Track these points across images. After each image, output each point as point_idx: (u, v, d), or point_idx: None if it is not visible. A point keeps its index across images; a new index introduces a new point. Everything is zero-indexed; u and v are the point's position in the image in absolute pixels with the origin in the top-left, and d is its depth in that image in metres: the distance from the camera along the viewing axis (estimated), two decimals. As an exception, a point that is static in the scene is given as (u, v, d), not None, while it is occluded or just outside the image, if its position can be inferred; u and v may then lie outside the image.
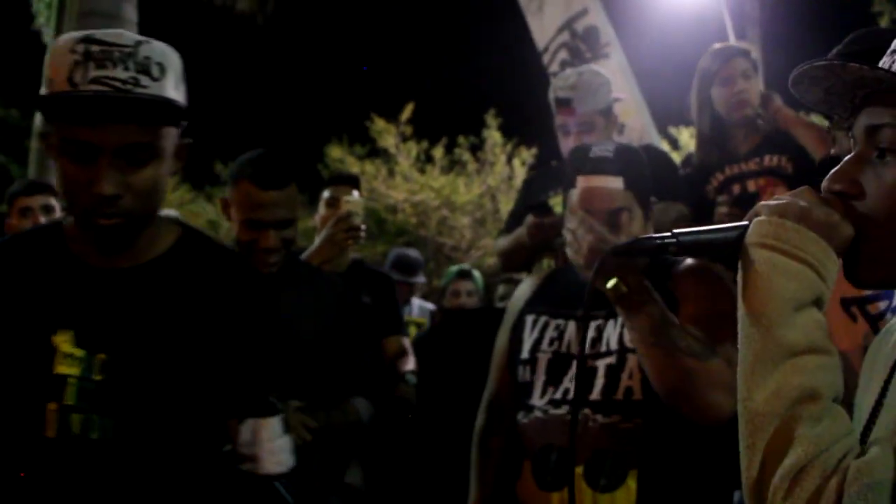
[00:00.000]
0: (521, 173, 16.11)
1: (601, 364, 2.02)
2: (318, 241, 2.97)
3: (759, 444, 0.86)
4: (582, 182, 2.05)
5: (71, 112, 1.40)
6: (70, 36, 1.42)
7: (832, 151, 1.93)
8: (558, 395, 2.03)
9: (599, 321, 2.06)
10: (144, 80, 1.41)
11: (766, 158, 3.09)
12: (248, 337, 1.58)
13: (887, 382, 0.98)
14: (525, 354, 2.13)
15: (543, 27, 4.68)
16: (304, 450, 2.19)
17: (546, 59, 4.66)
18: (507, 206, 14.61)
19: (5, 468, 1.47)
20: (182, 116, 1.54)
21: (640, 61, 5.41)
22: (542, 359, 2.10)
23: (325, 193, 3.52)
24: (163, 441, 1.50)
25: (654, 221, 2.13)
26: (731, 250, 0.97)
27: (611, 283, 1.85)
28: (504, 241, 3.21)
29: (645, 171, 2.10)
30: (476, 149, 17.47)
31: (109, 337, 1.49)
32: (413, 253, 5.61)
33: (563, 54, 4.55)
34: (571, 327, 2.10)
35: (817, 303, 0.91)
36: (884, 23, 12.68)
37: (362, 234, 2.98)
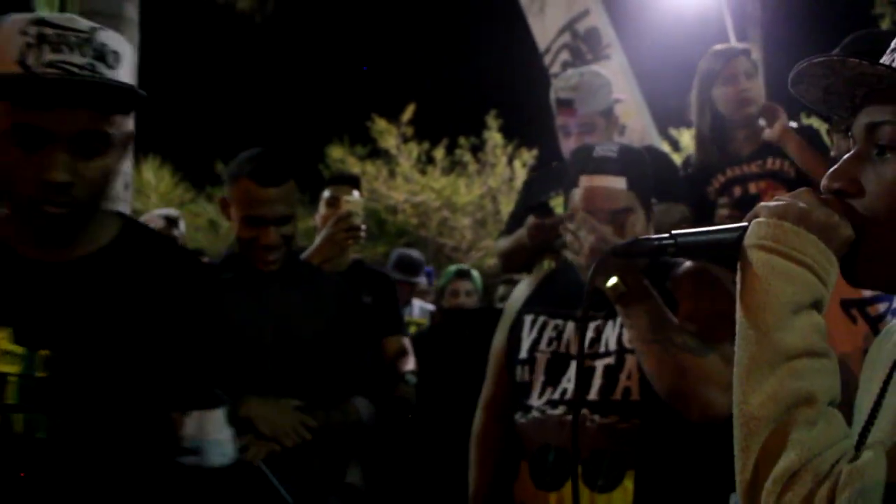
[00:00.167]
0: (521, 174, 16.13)
1: (599, 364, 2.02)
2: (318, 240, 2.97)
3: (753, 448, 0.86)
4: (585, 182, 2.05)
5: (24, 95, 1.33)
6: (19, 17, 1.36)
7: (832, 154, 1.93)
8: (556, 396, 2.03)
9: (598, 322, 2.06)
10: (100, 66, 1.37)
11: (769, 161, 3.09)
12: (191, 329, 1.54)
13: (886, 384, 0.98)
14: (523, 354, 2.13)
15: (545, 28, 4.69)
16: (304, 449, 2.20)
17: (547, 60, 4.66)
18: (507, 207, 14.62)
19: None
20: (137, 106, 1.50)
21: (642, 62, 5.42)
22: (541, 359, 2.10)
23: (326, 193, 3.52)
24: (110, 437, 1.45)
25: (654, 222, 2.13)
26: (730, 252, 0.96)
27: (610, 282, 1.86)
28: (504, 242, 3.21)
29: (648, 172, 2.11)
30: (477, 150, 17.49)
31: (51, 333, 1.43)
32: (415, 253, 5.61)
33: (564, 55, 4.55)
34: (570, 327, 2.10)
35: (816, 305, 0.91)
36: (885, 25, 12.69)
37: (362, 234, 2.98)
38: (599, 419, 1.98)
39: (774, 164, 3.08)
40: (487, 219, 17.16)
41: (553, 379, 2.06)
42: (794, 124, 3.05)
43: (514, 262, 3.18)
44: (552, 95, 3.04)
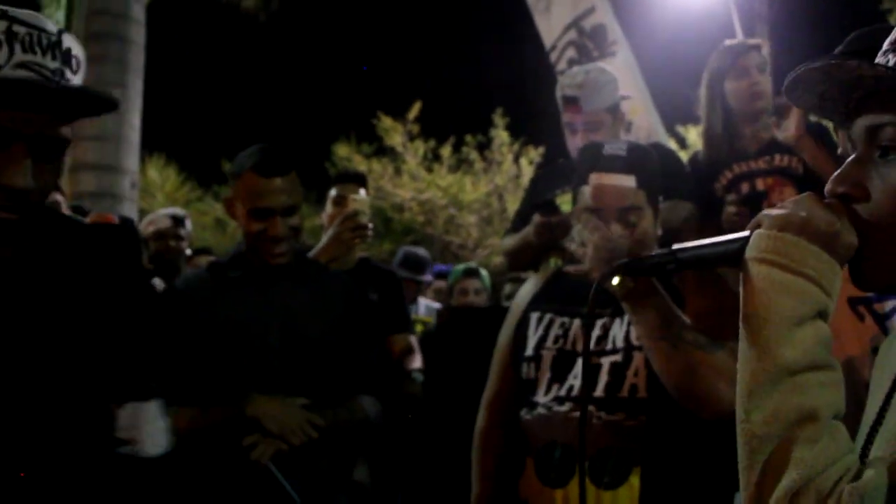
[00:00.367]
0: (528, 172, 16.11)
1: (606, 361, 2.02)
2: (325, 239, 2.97)
3: (756, 466, 0.85)
4: (594, 179, 2.05)
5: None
6: None
7: (838, 151, 1.92)
8: (563, 392, 2.03)
9: (605, 319, 2.06)
10: (68, 72, 1.33)
11: (777, 158, 3.08)
12: (125, 320, 1.52)
13: (889, 394, 0.97)
14: (529, 351, 2.13)
15: (551, 25, 4.69)
16: (312, 448, 2.20)
17: (553, 57, 4.66)
18: (513, 204, 14.61)
19: None
20: (95, 113, 1.43)
21: (648, 59, 5.41)
22: (547, 356, 2.10)
23: (333, 192, 3.52)
24: (45, 430, 1.42)
25: (661, 221, 2.13)
26: (731, 264, 0.96)
27: (617, 279, 1.85)
28: (511, 241, 3.21)
29: (656, 171, 2.11)
30: (483, 147, 17.48)
31: None
32: (421, 251, 5.61)
33: (570, 52, 4.55)
34: (576, 325, 2.10)
35: (821, 315, 0.90)
36: (893, 20, 12.63)
37: (369, 232, 2.98)
38: (606, 416, 1.98)
39: (782, 161, 3.07)
40: (494, 216, 17.15)
41: (559, 376, 2.06)
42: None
43: (521, 260, 3.18)
44: (558, 93, 3.04)
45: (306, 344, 2.31)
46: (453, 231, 17.28)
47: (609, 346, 2.04)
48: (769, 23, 12.72)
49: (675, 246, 0.98)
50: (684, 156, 4.87)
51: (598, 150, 2.10)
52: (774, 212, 0.93)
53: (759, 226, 0.94)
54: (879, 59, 0.93)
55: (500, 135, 17.24)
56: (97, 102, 1.38)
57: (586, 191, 2.07)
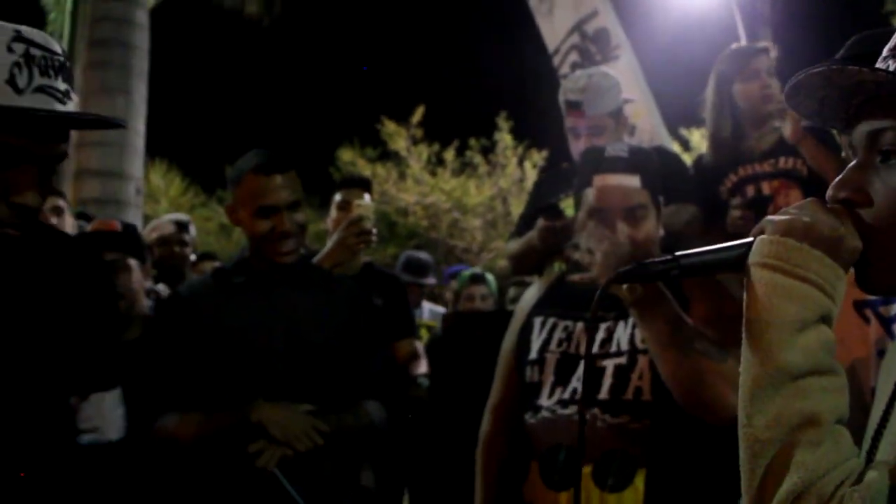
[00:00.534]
0: (532, 175, 16.12)
1: (610, 364, 2.02)
2: (329, 244, 2.98)
3: (758, 471, 0.85)
4: (599, 181, 2.06)
5: (11, 117, 1.30)
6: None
7: (842, 154, 1.92)
8: (566, 396, 2.04)
9: (609, 322, 2.07)
10: (71, 93, 1.37)
11: (782, 160, 3.07)
12: (87, 311, 1.53)
13: (893, 398, 0.97)
14: (533, 355, 2.14)
15: (554, 29, 4.69)
16: (317, 454, 2.20)
17: (556, 61, 4.66)
18: (517, 208, 14.60)
19: None
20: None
21: (651, 63, 5.40)
22: (551, 359, 2.10)
23: (337, 197, 3.53)
24: (13, 423, 1.42)
25: (664, 224, 2.13)
26: (735, 270, 0.96)
27: (626, 286, 1.86)
28: (515, 245, 3.21)
29: (657, 172, 2.13)
30: (487, 151, 17.48)
31: None
32: (423, 255, 5.63)
33: (573, 56, 4.56)
34: (580, 328, 2.10)
35: (824, 320, 0.90)
36: (895, 22, 12.61)
37: (373, 237, 2.98)
38: (610, 419, 1.98)
39: (787, 163, 3.06)
40: (498, 220, 17.14)
41: (563, 379, 2.07)
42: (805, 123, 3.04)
43: (525, 264, 3.17)
44: (561, 97, 3.04)
45: (311, 349, 2.31)
46: (457, 235, 17.27)
47: (613, 349, 2.04)
48: (772, 25, 12.71)
49: (679, 252, 0.98)
50: (688, 159, 4.87)
51: (601, 152, 2.11)
52: (777, 217, 0.93)
53: (762, 231, 0.94)
54: (880, 65, 0.94)
55: (504, 138, 17.24)
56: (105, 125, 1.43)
57: (590, 193, 2.07)
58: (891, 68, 0.92)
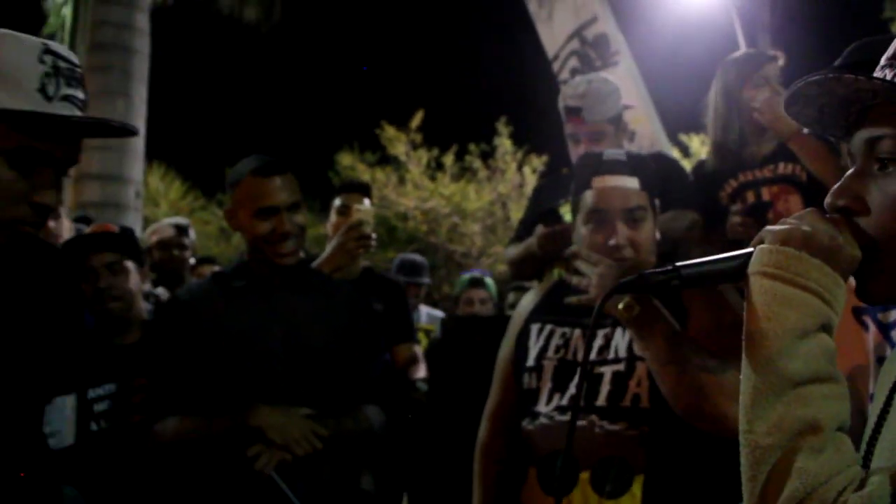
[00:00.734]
0: (531, 181, 16.12)
1: (607, 371, 2.02)
2: (329, 248, 2.98)
3: (760, 477, 0.85)
4: (598, 182, 2.06)
5: (42, 124, 1.39)
6: (30, 41, 1.41)
7: (841, 162, 1.92)
8: (564, 402, 2.03)
9: (607, 329, 2.07)
10: (85, 101, 1.47)
11: (781, 166, 3.07)
12: (55, 319, 1.56)
13: (888, 401, 0.97)
14: (531, 362, 2.13)
15: (553, 35, 4.69)
16: (315, 458, 2.20)
17: (556, 66, 4.67)
18: (517, 213, 14.61)
19: None
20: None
21: (651, 68, 5.41)
22: (548, 366, 2.10)
23: (337, 201, 3.53)
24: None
25: (664, 230, 2.14)
26: (735, 280, 0.96)
27: (622, 304, 1.86)
28: (514, 250, 3.21)
29: (654, 175, 2.13)
30: (487, 156, 17.49)
31: None
32: (418, 257, 5.69)
33: (573, 62, 4.56)
34: (577, 335, 2.10)
35: (825, 328, 0.90)
36: (895, 28, 12.64)
37: (373, 242, 2.99)
38: (608, 425, 1.97)
39: (787, 169, 3.07)
40: (497, 225, 17.14)
41: (561, 385, 2.06)
42: (806, 130, 3.04)
43: (525, 270, 3.18)
44: (561, 103, 3.04)
45: (310, 353, 2.31)
46: (457, 240, 17.27)
47: (611, 356, 2.04)
48: (771, 32, 12.74)
49: (679, 263, 0.99)
50: (687, 165, 4.87)
51: (599, 156, 2.13)
52: (777, 227, 0.94)
53: (761, 241, 0.94)
54: (877, 73, 0.94)
55: (504, 143, 17.25)
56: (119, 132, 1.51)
57: (588, 195, 2.07)
58: (888, 77, 0.92)
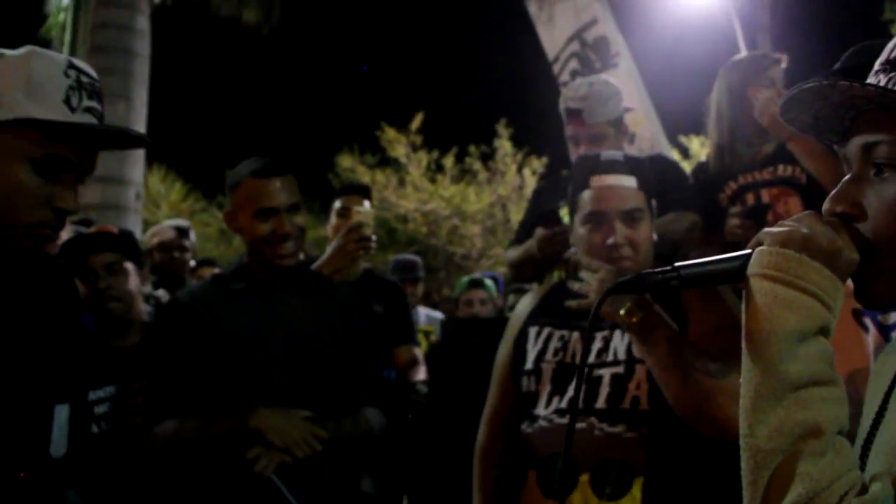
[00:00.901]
0: (531, 182, 16.13)
1: (606, 373, 2.02)
2: (329, 250, 2.98)
3: (761, 482, 0.85)
4: (596, 182, 2.06)
5: (66, 131, 1.48)
6: (55, 57, 1.52)
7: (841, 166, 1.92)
8: (563, 405, 2.03)
9: (606, 332, 2.07)
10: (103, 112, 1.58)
11: (780, 168, 3.07)
12: (55, 327, 1.59)
13: (885, 402, 0.97)
14: (529, 365, 2.13)
15: (553, 37, 4.70)
16: (315, 460, 2.20)
17: (556, 68, 4.67)
18: (517, 215, 14.61)
19: None
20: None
21: (651, 70, 5.41)
22: (547, 369, 2.10)
23: (337, 203, 3.53)
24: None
25: (665, 231, 2.14)
26: (734, 281, 0.96)
27: (623, 310, 1.86)
28: (514, 253, 3.21)
29: (651, 176, 2.14)
30: (487, 158, 17.50)
31: None
32: (411, 256, 5.75)
33: (573, 64, 4.56)
34: (576, 337, 2.11)
35: (823, 331, 0.90)
36: (894, 30, 12.64)
37: (373, 244, 2.99)
38: (608, 427, 1.97)
39: (786, 171, 3.06)
40: (497, 227, 17.15)
41: (559, 388, 2.06)
42: None
43: (524, 272, 3.17)
44: (561, 105, 3.04)
45: (310, 355, 2.31)
46: (457, 241, 17.27)
47: (610, 358, 2.04)
48: (771, 34, 12.74)
49: (678, 263, 0.98)
50: (687, 166, 4.87)
51: (596, 157, 2.13)
52: (776, 229, 0.94)
53: (760, 243, 0.94)
54: (871, 79, 0.94)
55: (504, 145, 17.27)
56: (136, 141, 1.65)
57: (586, 195, 2.08)
58: (882, 82, 0.92)
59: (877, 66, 0.95)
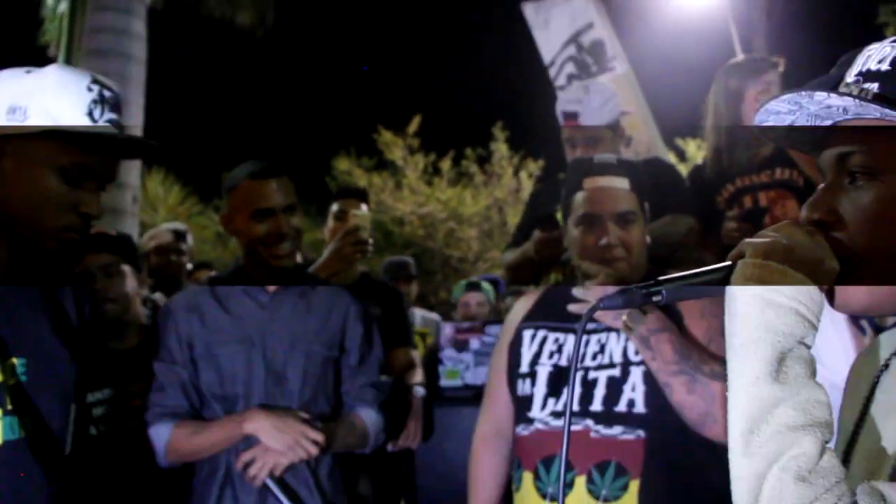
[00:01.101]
0: (528, 186, 16.12)
1: (602, 375, 2.02)
2: (326, 254, 2.98)
3: (752, 491, 0.85)
4: (589, 184, 2.07)
5: (90, 142, 1.57)
6: (79, 73, 1.63)
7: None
8: (559, 407, 2.04)
9: (601, 334, 2.07)
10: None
11: (778, 171, 3.08)
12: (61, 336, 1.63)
13: (866, 407, 0.98)
14: (524, 368, 2.14)
15: (550, 41, 4.70)
16: (311, 463, 2.20)
17: (553, 72, 4.67)
18: (514, 218, 14.61)
19: None
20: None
21: (647, 73, 5.42)
22: (542, 371, 2.10)
23: (334, 207, 3.53)
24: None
25: (661, 234, 2.14)
26: (716, 293, 0.96)
27: (626, 316, 1.87)
28: (511, 256, 3.21)
29: (645, 179, 2.14)
30: (483, 161, 17.49)
31: None
32: (403, 258, 5.79)
33: (569, 68, 4.57)
34: (571, 340, 2.11)
35: (805, 342, 0.90)
36: (889, 33, 12.68)
37: (370, 247, 2.99)
38: (603, 430, 1.98)
39: (783, 174, 3.07)
40: (494, 230, 17.14)
41: (555, 391, 2.07)
42: None
43: (522, 275, 3.18)
44: (558, 108, 3.05)
45: (306, 359, 2.32)
46: (454, 244, 17.26)
47: (606, 361, 2.04)
48: (767, 36, 12.77)
49: (662, 277, 0.99)
50: (684, 169, 4.88)
51: (589, 159, 2.15)
52: (757, 240, 0.94)
53: (742, 254, 0.94)
54: (844, 90, 0.95)
55: (500, 148, 17.25)
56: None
57: (580, 196, 2.08)
58: (855, 93, 0.93)
59: (851, 77, 0.96)
